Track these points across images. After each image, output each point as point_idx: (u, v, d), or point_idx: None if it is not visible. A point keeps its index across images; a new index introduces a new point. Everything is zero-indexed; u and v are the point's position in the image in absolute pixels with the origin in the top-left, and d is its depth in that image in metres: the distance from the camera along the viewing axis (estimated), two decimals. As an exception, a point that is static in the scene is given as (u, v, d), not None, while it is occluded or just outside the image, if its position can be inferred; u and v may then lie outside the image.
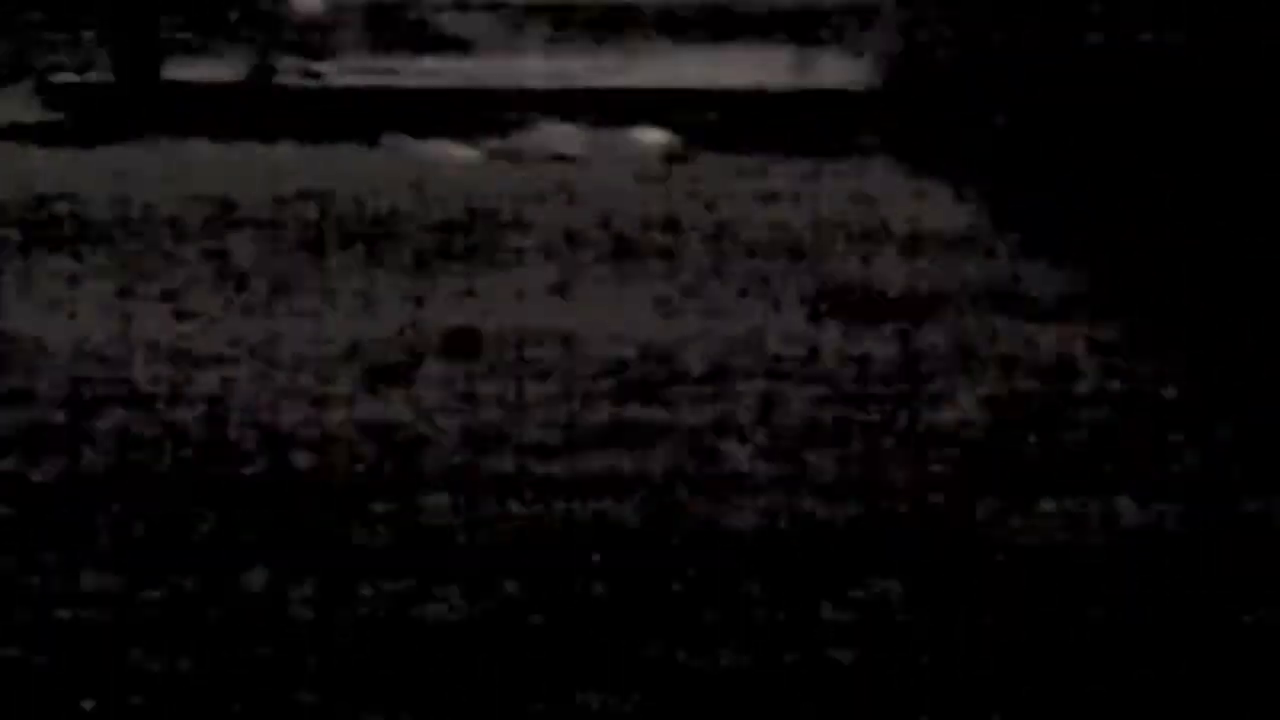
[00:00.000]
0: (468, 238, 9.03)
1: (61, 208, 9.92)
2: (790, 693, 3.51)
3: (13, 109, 15.07)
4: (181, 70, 14.87)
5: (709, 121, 13.65)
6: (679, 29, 17.93)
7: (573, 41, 17.26)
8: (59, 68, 15.42)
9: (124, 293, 7.59)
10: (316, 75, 14.83)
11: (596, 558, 4.23)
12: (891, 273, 8.18)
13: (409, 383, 6.06)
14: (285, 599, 3.93)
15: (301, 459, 5.20)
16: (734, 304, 7.42)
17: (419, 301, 7.44)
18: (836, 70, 14.67)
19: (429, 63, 16.56)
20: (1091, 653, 3.71)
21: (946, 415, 5.66)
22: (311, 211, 9.86)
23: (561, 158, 13.10)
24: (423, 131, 13.49)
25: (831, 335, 6.79)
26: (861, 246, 8.91)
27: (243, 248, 8.72)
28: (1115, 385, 6.04)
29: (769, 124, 13.70)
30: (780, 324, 6.99)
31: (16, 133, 13.94)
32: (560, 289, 7.71)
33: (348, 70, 15.17)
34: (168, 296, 7.50)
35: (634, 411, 5.75)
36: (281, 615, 3.85)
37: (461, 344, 6.65)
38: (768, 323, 7.02)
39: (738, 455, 5.25)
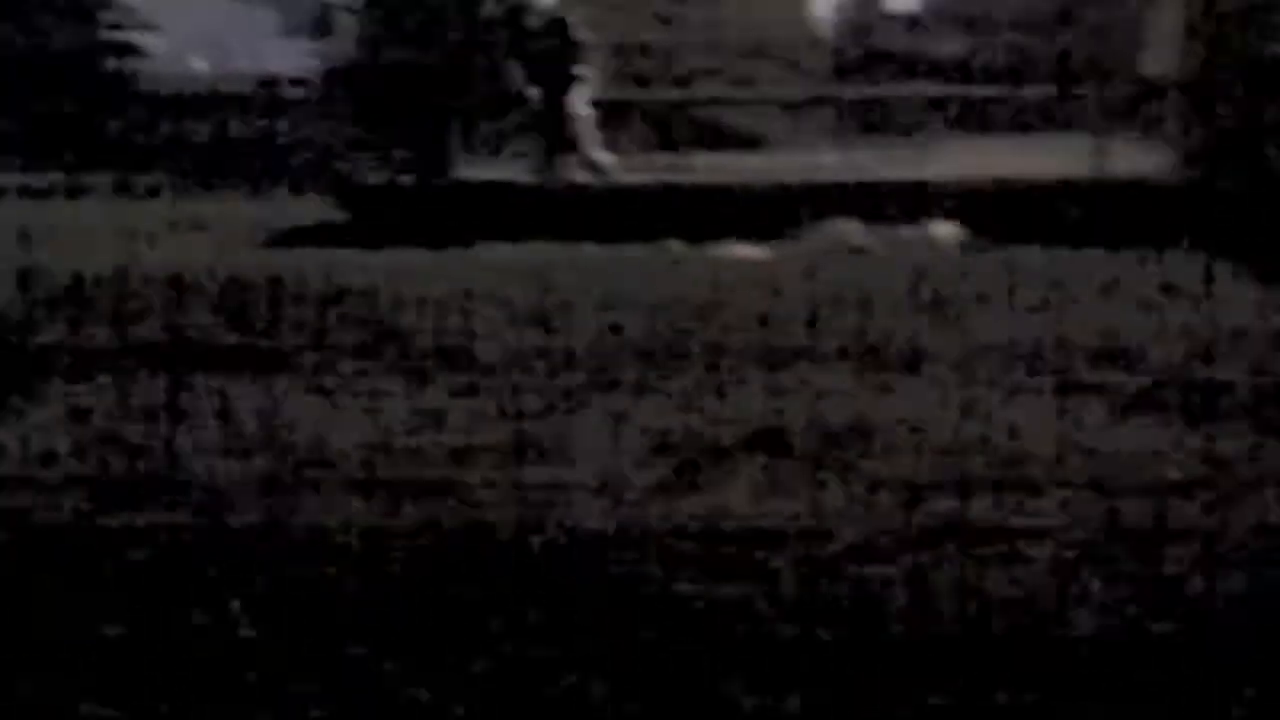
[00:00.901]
0: (762, 337, 8.88)
1: (358, 305, 10.00)
2: None
3: (313, 210, 15.36)
4: (471, 170, 15.03)
5: (1004, 213, 13.36)
6: (970, 120, 17.66)
7: (861, 135, 17.12)
8: (355, 170, 15.70)
9: (419, 389, 7.57)
10: (604, 173, 14.87)
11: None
12: (1200, 372, 7.83)
13: (718, 479, 5.95)
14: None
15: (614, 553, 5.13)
16: (1032, 402, 7.14)
17: (719, 399, 7.32)
18: (1136, 159, 14.29)
19: (716, 159, 16.53)
20: None
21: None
22: (602, 311, 9.80)
23: (853, 253, 12.91)
24: (711, 229, 13.42)
25: (1147, 437, 6.49)
26: (1168, 344, 8.54)
27: (536, 346, 8.69)
28: None
29: (1066, 215, 13.36)
30: (1089, 422, 6.70)
31: (316, 233, 14.20)
32: (853, 389, 7.53)
33: (635, 168, 15.19)
34: (461, 394, 7.47)
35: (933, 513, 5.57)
36: None
37: (766, 441, 6.51)
38: (1073, 421, 6.73)
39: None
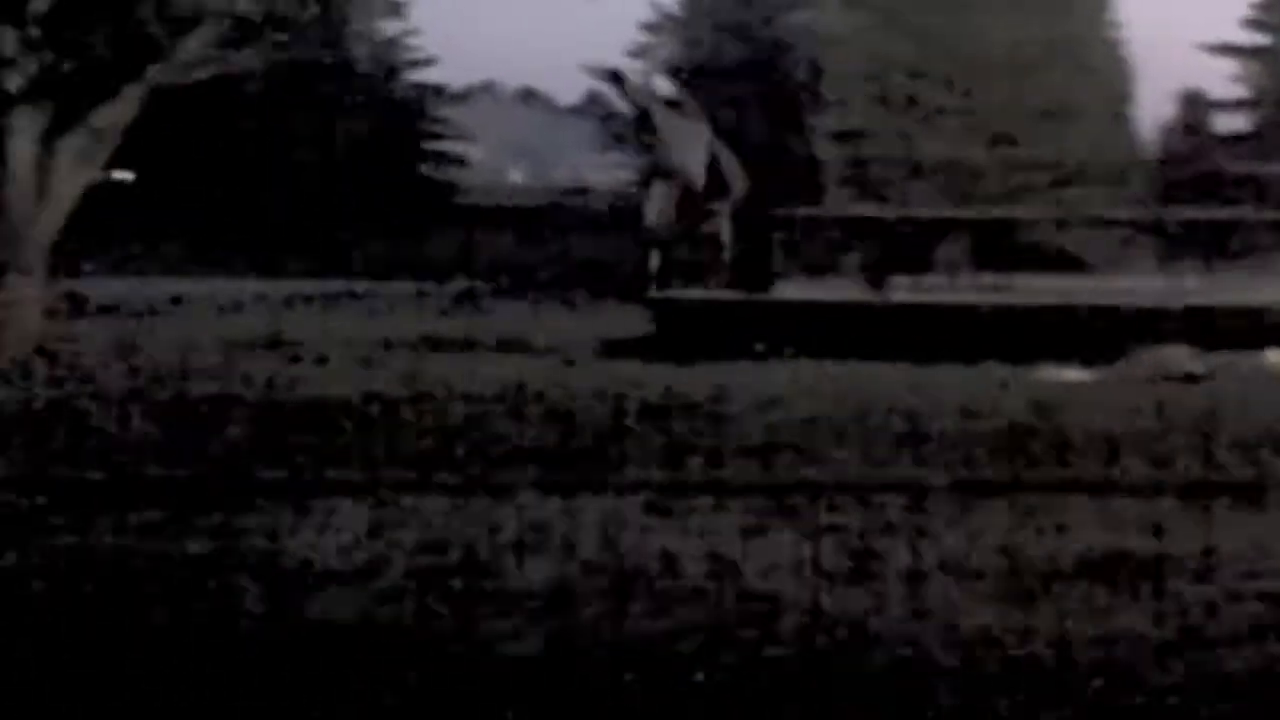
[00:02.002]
0: (1081, 463, 8.56)
1: (669, 421, 9.91)
2: None
3: (629, 322, 15.37)
4: (790, 289, 14.94)
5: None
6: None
7: (1189, 258, 16.64)
8: (672, 285, 15.71)
9: (766, 522, 7.39)
10: (926, 292, 14.71)
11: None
12: None
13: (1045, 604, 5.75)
14: None
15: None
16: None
17: (1042, 525, 7.07)
18: None
19: (1038, 280, 16.22)
20: None
21: None
22: (918, 432, 9.55)
23: (1182, 379, 12.47)
24: (1032, 350, 13.13)
25: None
26: None
27: (865, 462, 8.50)
28: None
29: None
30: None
31: (631, 346, 14.17)
32: (1177, 515, 7.20)
33: (959, 287, 14.98)
34: (808, 521, 7.29)
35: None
36: None
37: (1098, 567, 6.28)
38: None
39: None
